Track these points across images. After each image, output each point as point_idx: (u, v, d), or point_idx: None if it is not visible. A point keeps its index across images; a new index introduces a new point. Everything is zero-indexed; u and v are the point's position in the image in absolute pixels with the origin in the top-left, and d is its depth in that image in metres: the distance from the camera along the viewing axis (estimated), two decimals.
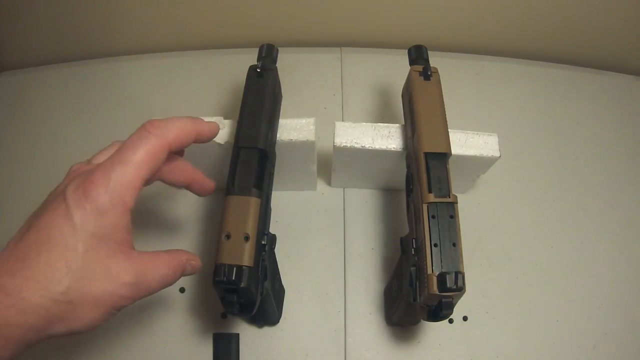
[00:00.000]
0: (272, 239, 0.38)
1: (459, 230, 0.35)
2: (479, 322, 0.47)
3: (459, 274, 0.32)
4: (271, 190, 0.39)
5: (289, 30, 0.65)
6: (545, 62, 0.67)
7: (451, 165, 0.38)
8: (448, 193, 0.36)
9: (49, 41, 0.64)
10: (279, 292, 0.46)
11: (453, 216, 0.35)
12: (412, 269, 0.36)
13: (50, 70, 0.64)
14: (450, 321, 0.47)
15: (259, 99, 0.40)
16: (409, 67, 0.44)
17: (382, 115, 0.60)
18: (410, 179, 0.40)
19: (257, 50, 0.44)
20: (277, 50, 0.45)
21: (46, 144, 0.57)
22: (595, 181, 0.57)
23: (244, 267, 0.32)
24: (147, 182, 0.30)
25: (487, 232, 0.52)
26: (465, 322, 0.47)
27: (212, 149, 0.43)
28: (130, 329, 0.46)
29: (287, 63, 0.50)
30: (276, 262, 0.43)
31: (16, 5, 0.59)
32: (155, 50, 0.65)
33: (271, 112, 0.40)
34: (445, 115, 0.40)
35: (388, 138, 0.44)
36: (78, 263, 0.25)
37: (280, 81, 0.45)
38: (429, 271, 0.33)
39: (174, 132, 0.30)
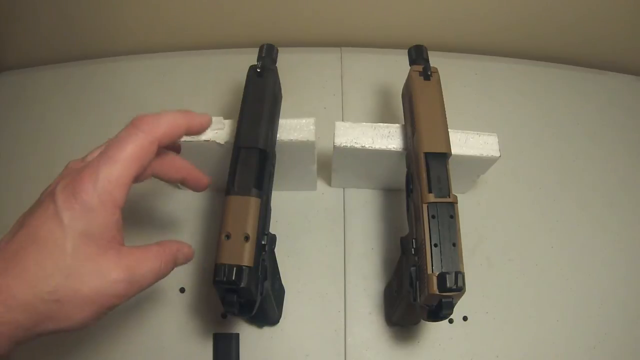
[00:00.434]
0: (272, 239, 0.38)
1: (459, 230, 0.35)
2: (479, 322, 0.47)
3: (459, 274, 0.32)
4: (271, 190, 0.39)
5: (289, 30, 0.65)
6: (545, 62, 0.67)
7: (451, 165, 0.38)
8: (448, 193, 0.36)
9: (49, 41, 0.64)
10: (279, 292, 0.46)
11: (453, 216, 0.35)
12: (412, 269, 0.36)
13: (50, 70, 0.64)
14: (450, 321, 0.47)
15: (259, 99, 0.40)
16: (409, 67, 0.44)
17: (382, 115, 0.60)
18: (410, 179, 0.40)
19: (257, 50, 0.44)
20: (277, 50, 0.45)
21: (46, 144, 0.57)
22: (595, 181, 0.57)
23: (244, 267, 0.32)
24: (138, 178, 0.30)
25: (487, 232, 0.52)
26: (465, 322, 0.47)
27: (212, 149, 0.43)
28: (130, 329, 0.46)
29: (287, 63, 0.50)
30: (276, 262, 0.43)
31: (16, 5, 0.59)
32: (155, 50, 0.65)
33: (271, 112, 0.40)
34: (445, 115, 0.40)
35: (388, 138, 0.44)
36: (66, 262, 0.25)
37: (280, 81, 0.45)
38: (429, 271, 0.33)
39: (163, 126, 0.29)
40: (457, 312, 0.47)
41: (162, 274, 0.30)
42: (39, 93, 0.62)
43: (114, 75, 0.63)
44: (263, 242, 0.35)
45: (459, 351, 0.46)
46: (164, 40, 0.65)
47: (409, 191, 0.40)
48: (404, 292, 0.38)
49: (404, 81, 0.45)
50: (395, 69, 0.50)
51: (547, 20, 0.63)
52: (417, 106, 0.40)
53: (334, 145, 0.44)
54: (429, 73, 0.42)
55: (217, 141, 0.42)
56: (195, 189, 0.36)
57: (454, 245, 0.34)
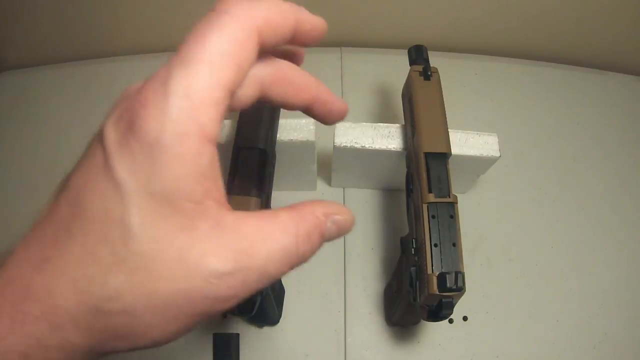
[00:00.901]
0: None
1: (459, 230, 0.35)
2: (479, 322, 0.47)
3: (459, 274, 0.32)
4: (271, 190, 0.39)
5: None
6: (545, 62, 0.67)
7: (451, 165, 0.38)
8: (448, 193, 0.36)
9: (49, 41, 0.64)
10: (279, 292, 0.46)
11: (453, 216, 0.35)
12: (412, 269, 0.36)
13: (51, 70, 0.64)
14: (450, 321, 0.47)
15: None
16: (409, 67, 0.44)
17: (382, 115, 0.60)
18: (410, 179, 0.40)
19: None
20: None
21: (46, 144, 0.57)
22: (596, 181, 0.57)
23: None
24: (237, 99, 0.19)
25: (487, 232, 0.52)
26: (465, 322, 0.47)
27: None
28: None
29: None
30: None
31: (16, 5, 0.59)
32: (155, 50, 0.65)
33: (271, 112, 0.40)
34: (445, 115, 0.40)
35: (388, 138, 0.44)
36: (130, 247, 0.15)
37: None
38: (429, 271, 0.33)
39: (264, 11, 0.18)
40: (457, 312, 0.47)
41: (301, 257, 0.19)
42: (39, 93, 0.62)
43: (114, 75, 0.63)
44: None
45: (459, 351, 0.46)
46: (164, 41, 0.65)
47: (409, 191, 0.40)
48: (404, 292, 0.38)
49: (404, 81, 0.45)
50: (395, 69, 0.50)
51: (547, 20, 0.63)
52: (417, 106, 0.40)
53: (334, 145, 0.44)
54: (429, 73, 0.42)
55: (217, 141, 0.42)
56: (326, 119, 0.24)
57: (454, 245, 0.34)
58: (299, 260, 0.18)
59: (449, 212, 0.35)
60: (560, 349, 0.47)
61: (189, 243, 0.16)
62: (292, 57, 0.23)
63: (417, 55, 0.44)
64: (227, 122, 0.43)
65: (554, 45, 0.67)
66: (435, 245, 0.34)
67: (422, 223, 0.35)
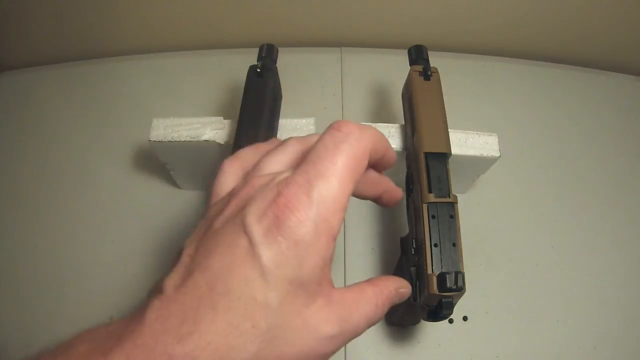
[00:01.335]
0: None
1: (459, 230, 0.35)
2: (479, 322, 0.47)
3: (459, 274, 0.32)
4: None
5: (289, 30, 0.65)
6: (545, 62, 0.67)
7: (451, 165, 0.38)
8: (448, 193, 0.36)
9: (49, 41, 0.64)
10: None
11: (453, 216, 0.35)
12: (412, 269, 0.36)
13: (51, 70, 0.64)
14: (450, 321, 0.47)
15: (259, 99, 0.40)
16: (409, 67, 0.44)
17: (382, 115, 0.60)
18: (410, 179, 0.40)
19: (257, 50, 0.44)
20: (277, 50, 0.45)
21: (46, 144, 0.57)
22: (596, 181, 0.57)
23: None
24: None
25: (487, 232, 0.52)
26: (465, 322, 0.47)
27: (212, 149, 0.43)
28: None
29: (287, 63, 0.50)
30: None
31: (16, 5, 0.59)
32: (155, 50, 0.65)
33: (271, 112, 0.40)
34: (445, 115, 0.40)
35: (388, 138, 0.44)
36: (270, 321, 0.18)
37: (280, 81, 0.45)
38: (429, 271, 0.33)
39: (370, 137, 0.22)
40: (457, 312, 0.47)
41: (376, 320, 0.24)
42: (39, 93, 0.62)
43: (114, 75, 0.63)
44: None
45: (459, 351, 0.46)
46: (164, 41, 0.65)
47: (409, 191, 0.40)
48: None
49: (404, 81, 0.45)
50: (395, 69, 0.50)
51: (547, 20, 0.63)
52: (417, 106, 0.40)
53: None
54: (429, 73, 0.42)
55: (217, 141, 0.42)
56: (388, 204, 0.29)
57: (454, 245, 0.34)
58: (374, 323, 0.24)
59: (449, 212, 0.35)
60: (560, 349, 0.47)
61: (310, 315, 0.20)
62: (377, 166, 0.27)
63: (417, 55, 0.44)
64: (227, 122, 0.43)
65: (554, 45, 0.67)
66: (435, 245, 0.34)
67: (422, 223, 0.35)
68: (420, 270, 0.34)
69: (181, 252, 0.21)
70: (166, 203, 0.52)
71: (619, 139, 0.60)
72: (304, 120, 0.42)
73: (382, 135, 0.23)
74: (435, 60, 0.44)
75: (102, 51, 0.65)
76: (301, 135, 0.27)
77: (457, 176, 0.38)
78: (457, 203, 0.36)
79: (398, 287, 0.26)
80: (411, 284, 0.35)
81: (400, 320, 0.45)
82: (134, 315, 0.19)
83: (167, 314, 0.18)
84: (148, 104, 0.60)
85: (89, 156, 0.56)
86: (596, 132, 0.61)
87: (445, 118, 0.40)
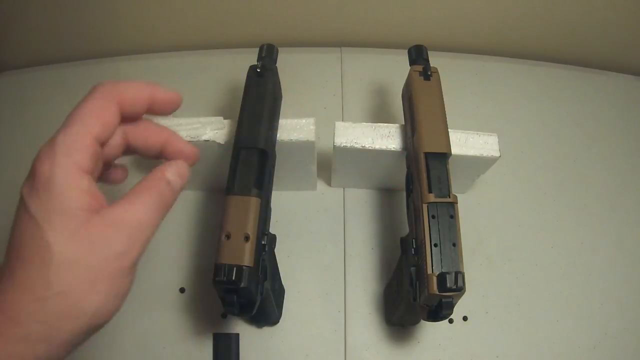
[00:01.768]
0: (272, 239, 0.38)
1: (459, 230, 0.35)
2: (479, 322, 0.47)
3: (459, 274, 0.32)
4: (271, 190, 0.39)
5: (289, 30, 0.65)
6: (545, 62, 0.67)
7: (451, 165, 0.38)
8: (448, 193, 0.36)
9: (49, 41, 0.64)
10: (279, 292, 0.46)
11: (453, 216, 0.35)
12: (412, 269, 0.36)
13: (51, 70, 0.64)
14: (450, 321, 0.47)
15: (259, 99, 0.40)
16: (409, 67, 0.44)
17: (382, 115, 0.60)
18: (410, 179, 0.40)
19: (257, 50, 0.44)
20: (277, 50, 0.45)
21: None
22: (596, 181, 0.57)
23: (244, 267, 0.32)
24: (108, 146, 0.27)
25: (487, 232, 0.52)
26: (465, 322, 0.47)
27: (212, 149, 0.43)
28: (130, 329, 0.46)
29: (287, 63, 0.50)
30: (276, 262, 0.43)
31: (16, 5, 0.59)
32: (155, 50, 0.65)
33: (271, 112, 0.40)
34: (445, 115, 0.40)
35: (388, 138, 0.44)
36: (51, 251, 0.22)
37: (280, 81, 0.45)
38: (429, 271, 0.33)
39: (123, 87, 0.26)
40: (457, 312, 0.47)
41: (162, 209, 0.27)
42: (39, 93, 0.62)
43: (114, 75, 0.63)
44: (263, 242, 0.35)
45: (459, 351, 0.46)
46: (164, 41, 0.65)
47: (409, 191, 0.40)
48: (404, 292, 0.38)
49: (404, 81, 0.45)
50: (395, 69, 0.50)
51: (547, 20, 0.63)
52: (417, 106, 0.40)
53: (334, 145, 0.44)
54: (429, 73, 0.42)
55: (217, 141, 0.42)
56: (174, 156, 0.30)
57: (454, 245, 0.34)
58: (163, 211, 0.27)
59: (449, 212, 0.35)
60: (560, 349, 0.47)
61: (87, 232, 0.23)
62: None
63: (417, 55, 0.44)
64: (227, 122, 0.43)
65: (554, 45, 0.67)
66: (435, 245, 0.34)
67: (422, 223, 0.35)
68: (420, 270, 0.34)
69: None
70: None
71: (619, 139, 0.61)
72: (304, 120, 0.42)
73: (141, 83, 0.27)
74: (435, 60, 0.44)
75: (102, 51, 0.65)
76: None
77: (457, 176, 0.38)
78: (457, 203, 0.36)
79: (164, 171, 0.27)
80: (411, 284, 0.36)
81: (400, 320, 0.45)
82: None
83: None
84: None
85: None
86: (596, 131, 0.61)
87: (445, 118, 0.40)
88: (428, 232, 0.34)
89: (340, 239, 0.51)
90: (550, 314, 0.48)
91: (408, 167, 0.41)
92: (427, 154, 0.38)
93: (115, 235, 0.24)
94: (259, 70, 0.41)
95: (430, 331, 0.46)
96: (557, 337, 0.47)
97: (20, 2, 0.58)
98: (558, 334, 0.47)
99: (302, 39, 0.66)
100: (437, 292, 0.32)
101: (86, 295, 0.23)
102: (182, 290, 0.48)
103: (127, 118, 0.27)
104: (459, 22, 0.64)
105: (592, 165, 0.58)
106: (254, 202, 0.34)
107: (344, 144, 0.43)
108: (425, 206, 0.35)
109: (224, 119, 0.43)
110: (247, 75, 0.41)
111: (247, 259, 0.32)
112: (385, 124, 0.44)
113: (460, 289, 0.32)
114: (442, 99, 0.41)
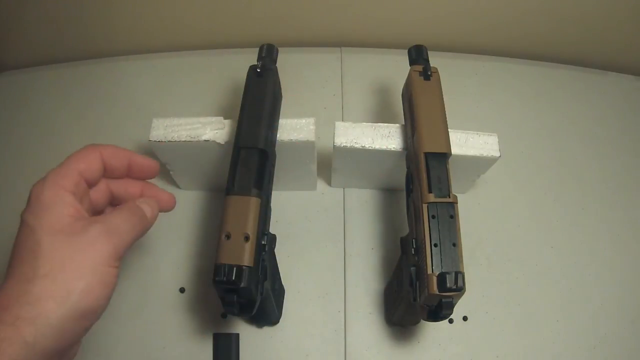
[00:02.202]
0: (272, 239, 0.38)
1: (459, 230, 0.35)
2: (479, 322, 0.47)
3: (459, 274, 0.32)
4: (271, 190, 0.39)
5: (289, 30, 0.65)
6: (545, 62, 0.67)
7: (451, 165, 0.38)
8: (448, 193, 0.36)
9: (49, 41, 0.64)
10: (279, 292, 0.46)
11: (453, 216, 0.35)
12: (412, 269, 0.36)
13: (50, 70, 0.64)
14: (450, 321, 0.47)
15: (259, 99, 0.40)
16: (409, 67, 0.44)
17: (382, 115, 0.60)
18: (410, 179, 0.40)
19: (257, 50, 0.44)
20: (277, 50, 0.45)
21: (45, 144, 0.57)
22: (596, 181, 0.57)
23: (244, 267, 0.32)
24: (96, 190, 0.33)
25: (487, 232, 0.52)
26: (465, 322, 0.47)
27: (212, 149, 0.43)
28: (130, 329, 0.46)
29: (287, 63, 0.50)
30: (276, 262, 0.43)
31: (16, 6, 0.59)
32: (155, 50, 0.65)
33: (271, 112, 0.40)
34: (445, 115, 0.40)
35: (388, 138, 0.44)
36: (40, 245, 0.27)
37: (280, 81, 0.45)
38: (429, 271, 0.33)
39: (107, 147, 0.33)
40: (457, 312, 0.47)
41: (136, 222, 0.31)
42: (39, 93, 0.62)
43: (113, 75, 0.63)
44: (263, 242, 0.35)
45: (459, 351, 0.46)
46: (164, 41, 0.65)
47: (409, 191, 0.40)
48: (404, 292, 0.38)
49: (404, 81, 0.45)
50: (395, 69, 0.50)
51: (547, 20, 0.63)
52: (417, 106, 0.40)
53: (334, 145, 0.44)
54: (429, 73, 0.42)
55: (217, 141, 0.42)
56: (144, 175, 0.37)
57: (454, 245, 0.34)
58: (146, 221, 0.33)
59: (449, 212, 0.35)
60: (560, 349, 0.47)
61: (72, 229, 0.28)
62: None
63: (417, 55, 0.44)
64: (227, 122, 0.43)
65: (554, 45, 0.67)
66: (435, 245, 0.34)
67: (422, 223, 0.35)
68: (420, 270, 0.34)
69: None
70: None
71: (619, 139, 0.61)
72: (303, 120, 0.43)
73: (121, 150, 0.34)
74: (435, 60, 0.44)
75: (102, 51, 0.65)
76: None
77: (457, 176, 0.38)
78: (457, 203, 0.36)
79: (139, 204, 0.33)
80: (411, 284, 0.36)
81: (400, 320, 0.45)
82: None
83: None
84: (148, 104, 0.60)
85: None
86: (596, 131, 0.61)
87: (445, 118, 0.40)
88: (428, 232, 0.34)
89: (340, 239, 0.51)
90: (550, 314, 0.48)
91: (408, 167, 0.41)
92: (427, 154, 0.38)
93: (94, 232, 0.28)
94: (259, 70, 0.41)
95: (430, 331, 0.46)
96: (557, 337, 0.47)
97: (20, 2, 0.58)
98: (558, 334, 0.47)
99: (302, 39, 0.66)
100: (437, 292, 0.32)
101: (70, 279, 0.26)
102: (182, 290, 0.48)
103: (110, 174, 0.34)
104: (459, 22, 0.64)
105: (591, 165, 0.58)
106: (254, 202, 0.34)
107: (344, 144, 0.43)
108: (425, 206, 0.35)
109: (224, 119, 0.43)
110: (247, 75, 0.41)
111: (247, 259, 0.32)
112: (386, 124, 0.44)
113: (460, 289, 0.32)
114: (442, 99, 0.41)
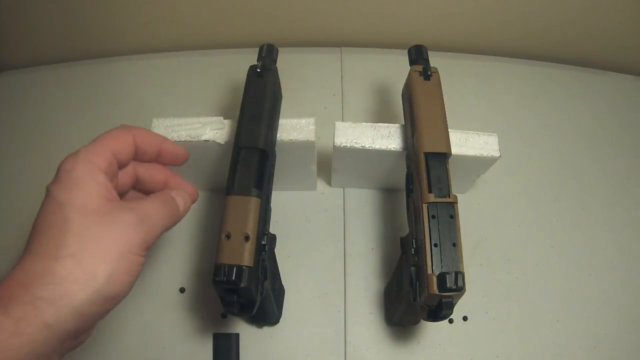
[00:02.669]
0: (272, 239, 0.38)
1: (459, 230, 0.35)
2: (479, 322, 0.47)
3: (459, 274, 0.32)
4: (271, 190, 0.39)
5: (289, 30, 0.65)
6: (545, 62, 0.67)
7: (451, 165, 0.38)
8: (448, 193, 0.36)
9: (49, 41, 0.64)
10: (279, 292, 0.46)
11: (453, 216, 0.35)
12: (412, 269, 0.36)
13: (51, 70, 0.64)
14: (450, 321, 0.47)
15: (259, 99, 0.40)
16: (409, 67, 0.44)
17: (382, 115, 0.60)
18: (410, 179, 0.40)
19: (257, 50, 0.44)
20: (277, 50, 0.45)
21: (46, 144, 0.57)
22: (595, 181, 0.57)
23: (244, 267, 0.32)
24: (123, 172, 0.32)
25: (487, 232, 0.52)
26: (465, 322, 0.47)
27: (212, 149, 0.43)
28: (130, 329, 0.46)
29: (287, 63, 0.50)
30: (276, 262, 0.43)
31: (17, 5, 0.59)
32: (155, 50, 0.65)
33: (271, 112, 0.40)
34: (445, 115, 0.40)
35: (388, 138, 0.44)
36: (68, 222, 0.25)
37: (280, 81, 0.45)
38: (429, 271, 0.33)
39: (140, 129, 0.32)
40: (457, 312, 0.47)
41: (167, 212, 0.31)
42: (39, 93, 0.62)
43: (114, 75, 0.63)
44: (263, 242, 0.35)
45: (459, 351, 0.46)
46: (164, 41, 0.65)
47: (409, 191, 0.40)
48: (404, 292, 0.38)
49: (404, 81, 0.45)
50: (395, 69, 0.50)
51: (547, 20, 0.63)
52: (417, 106, 0.40)
53: (334, 145, 0.44)
54: (429, 73, 0.42)
55: (217, 141, 0.42)
56: (174, 162, 0.36)
57: (454, 245, 0.34)
58: (175, 220, 0.33)
59: (449, 212, 0.35)
60: (560, 349, 0.47)
61: (102, 212, 0.27)
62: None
63: (417, 55, 0.44)
64: (227, 122, 0.43)
65: (554, 45, 0.67)
66: (435, 245, 0.34)
67: (422, 223, 0.35)
68: (420, 270, 0.34)
69: None
70: None
71: (619, 139, 0.61)
72: (304, 120, 0.43)
73: (155, 134, 0.34)
74: (435, 60, 0.44)
75: (102, 51, 0.65)
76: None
77: (457, 176, 0.38)
78: (457, 203, 0.36)
79: (173, 198, 0.33)
80: (411, 284, 0.36)
81: (400, 320, 0.45)
82: None
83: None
84: (148, 104, 0.60)
85: None
86: (596, 131, 0.61)
87: (445, 118, 0.40)
88: (428, 232, 0.34)
89: (340, 239, 0.51)
90: (550, 314, 0.48)
91: (408, 167, 0.41)
92: (427, 154, 0.38)
93: (127, 217, 0.27)
94: (259, 70, 0.41)
95: (430, 331, 0.46)
96: (557, 337, 0.47)
97: (20, 1, 0.58)
98: (558, 334, 0.47)
99: (302, 39, 0.66)
100: (437, 292, 0.32)
101: (97, 262, 0.25)
102: (182, 290, 0.48)
103: (140, 157, 0.33)
104: (459, 22, 0.64)
105: (592, 165, 0.58)
106: (253, 202, 0.34)
107: (344, 144, 0.43)
108: (425, 206, 0.35)
109: (224, 119, 0.43)
110: (247, 75, 0.41)
111: (247, 259, 0.32)
112: (386, 124, 0.44)
113: (460, 289, 0.32)
114: (442, 99, 0.41)
